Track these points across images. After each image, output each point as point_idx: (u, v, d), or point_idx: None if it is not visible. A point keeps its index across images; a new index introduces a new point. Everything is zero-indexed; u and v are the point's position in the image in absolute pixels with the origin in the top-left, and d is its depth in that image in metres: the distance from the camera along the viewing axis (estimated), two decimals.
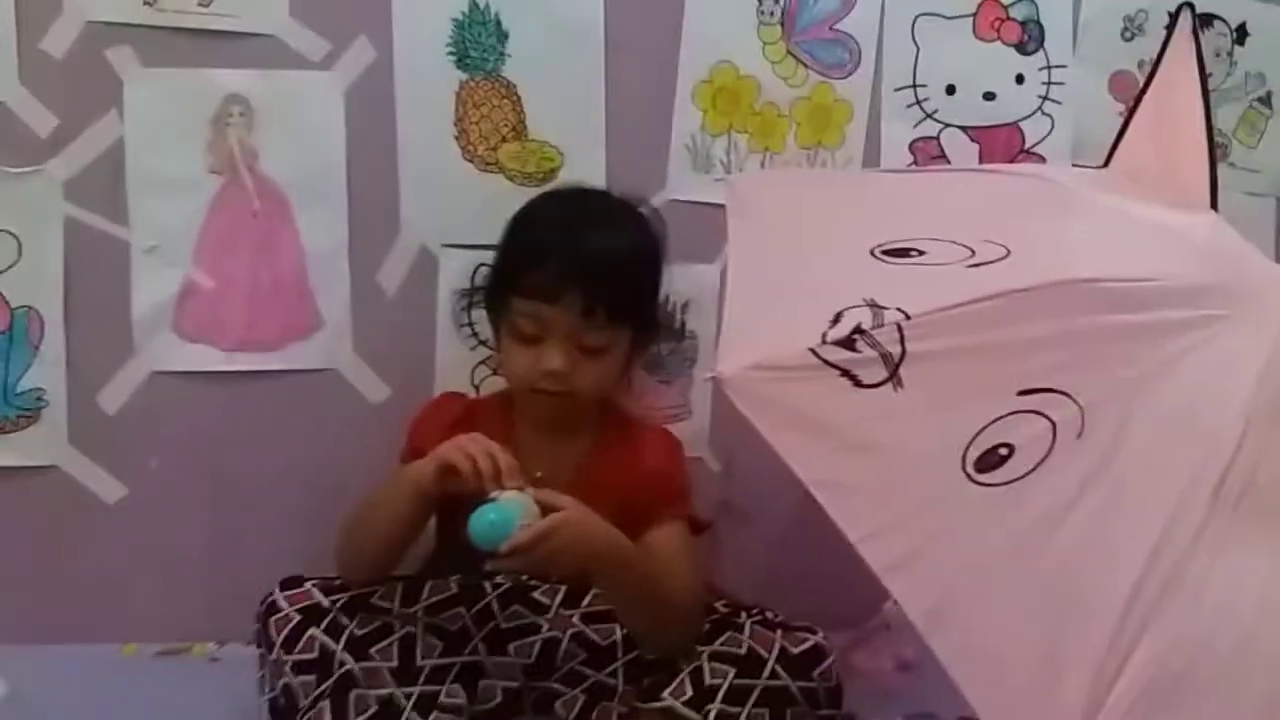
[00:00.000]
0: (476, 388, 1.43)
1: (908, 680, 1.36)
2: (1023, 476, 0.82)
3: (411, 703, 1.18)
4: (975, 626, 0.79)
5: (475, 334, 1.41)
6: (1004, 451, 0.83)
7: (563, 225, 1.27)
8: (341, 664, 1.18)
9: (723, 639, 1.20)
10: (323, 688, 1.17)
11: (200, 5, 1.33)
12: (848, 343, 0.86)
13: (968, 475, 0.83)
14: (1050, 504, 0.82)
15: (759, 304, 0.94)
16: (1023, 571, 0.81)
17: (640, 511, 1.25)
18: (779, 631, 1.20)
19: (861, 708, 1.26)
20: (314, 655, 1.18)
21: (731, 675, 1.17)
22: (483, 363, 1.42)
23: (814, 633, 1.21)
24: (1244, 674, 0.78)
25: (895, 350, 0.85)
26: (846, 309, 0.88)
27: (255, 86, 1.35)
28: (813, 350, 0.86)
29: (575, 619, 1.23)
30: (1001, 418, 0.84)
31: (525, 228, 1.30)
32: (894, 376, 0.85)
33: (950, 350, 0.86)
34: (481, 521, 1.07)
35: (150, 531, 1.41)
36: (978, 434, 0.83)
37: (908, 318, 0.86)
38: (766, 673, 1.17)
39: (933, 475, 0.83)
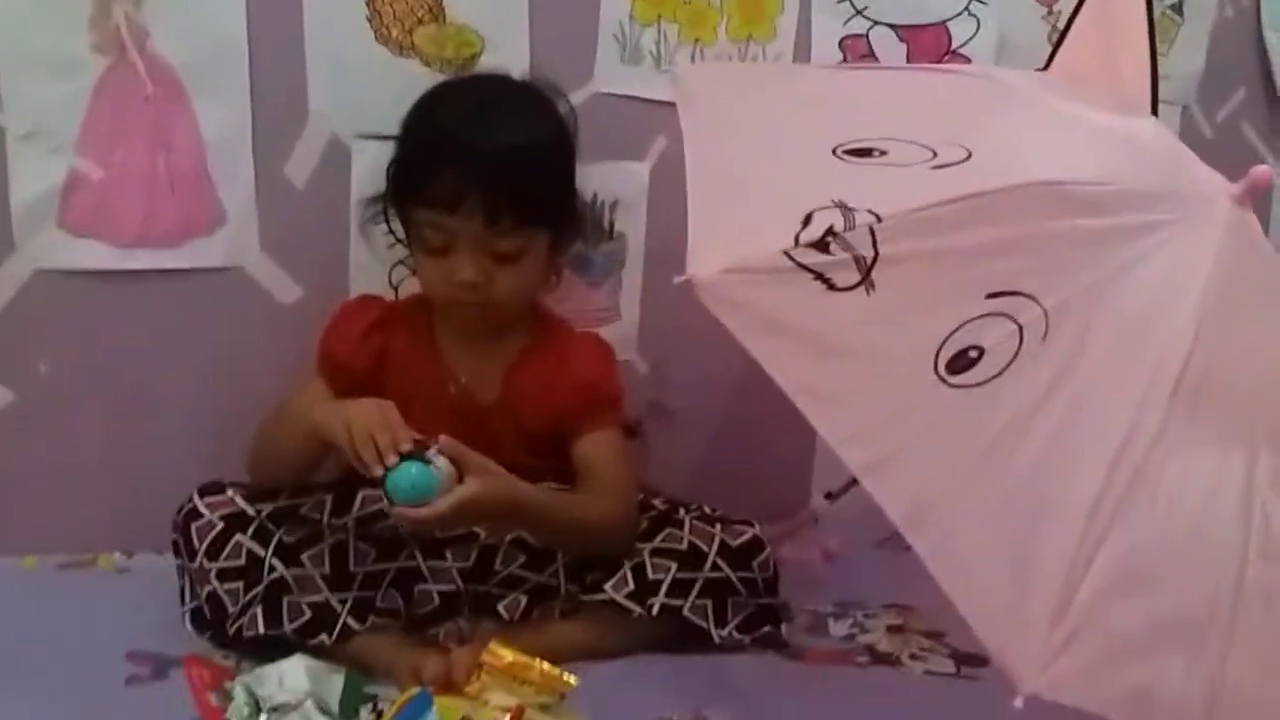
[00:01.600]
0: (395, 289, 1.37)
1: (834, 570, 1.41)
2: (993, 378, 0.84)
3: (346, 608, 1.15)
4: (951, 526, 0.81)
5: (392, 231, 1.34)
6: (974, 354, 0.84)
7: (457, 128, 1.18)
8: (271, 570, 1.14)
9: (663, 535, 1.21)
10: (252, 594, 1.14)
11: None
12: (821, 245, 0.85)
13: (940, 377, 0.84)
14: (1019, 406, 0.84)
15: (724, 204, 0.92)
16: (995, 472, 0.83)
17: (571, 419, 1.24)
18: (718, 525, 1.22)
19: (792, 597, 1.30)
20: (241, 562, 1.15)
21: (674, 569, 1.19)
22: (401, 262, 1.36)
23: (751, 525, 1.23)
24: (1193, 565, 0.83)
25: (868, 253, 0.85)
26: (816, 210, 0.87)
27: None
28: (786, 253, 0.85)
29: None
30: (971, 320, 0.85)
31: (419, 130, 1.22)
32: (867, 279, 0.85)
33: (921, 253, 0.86)
34: (403, 478, 1.04)
35: (43, 439, 1.32)
36: (949, 336, 0.84)
37: (879, 219, 0.86)
38: (708, 566, 1.19)
39: (907, 378, 0.84)
